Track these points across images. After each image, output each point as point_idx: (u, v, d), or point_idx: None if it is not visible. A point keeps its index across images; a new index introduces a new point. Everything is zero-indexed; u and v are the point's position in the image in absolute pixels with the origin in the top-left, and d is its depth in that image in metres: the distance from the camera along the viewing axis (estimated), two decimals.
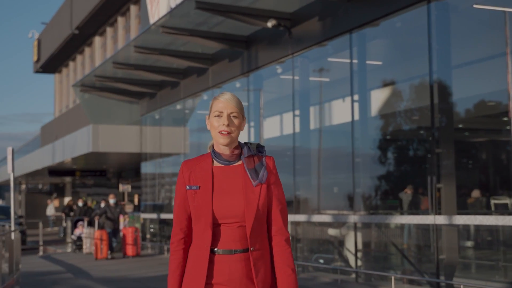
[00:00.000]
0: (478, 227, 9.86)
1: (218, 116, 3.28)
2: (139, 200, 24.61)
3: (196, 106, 18.61)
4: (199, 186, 3.29)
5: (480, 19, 9.85)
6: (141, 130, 21.58)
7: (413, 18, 10.25)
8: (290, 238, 3.40)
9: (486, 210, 10.55)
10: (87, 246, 19.80)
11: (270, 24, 12.47)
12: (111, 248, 18.09)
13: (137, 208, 26.91)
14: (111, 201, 18.61)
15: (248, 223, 3.23)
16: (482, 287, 9.22)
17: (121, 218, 19.03)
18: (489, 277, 10.15)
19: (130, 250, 18.14)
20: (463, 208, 10.40)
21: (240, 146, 3.38)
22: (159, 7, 18.86)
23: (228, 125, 3.26)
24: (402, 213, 11.02)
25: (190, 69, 17.38)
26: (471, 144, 11.62)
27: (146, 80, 19.24)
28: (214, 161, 3.36)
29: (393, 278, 9.77)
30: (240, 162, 3.35)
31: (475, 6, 9.77)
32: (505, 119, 9.61)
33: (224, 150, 3.32)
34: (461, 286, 8.76)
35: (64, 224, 33.82)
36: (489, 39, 9.79)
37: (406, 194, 11.19)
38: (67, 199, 41.71)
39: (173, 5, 17.38)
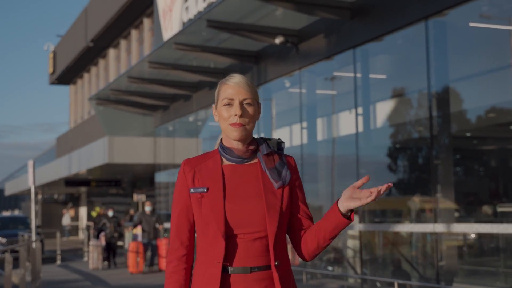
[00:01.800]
0: (481, 234, 10.28)
1: (228, 104, 2.72)
2: (154, 209, 25.13)
3: (208, 117, 19.15)
4: (208, 189, 2.70)
5: (476, 36, 10.34)
6: (155, 142, 22.16)
7: (413, 35, 10.75)
8: None
9: (493, 217, 10.95)
10: (93, 261, 17.99)
11: (278, 40, 13.00)
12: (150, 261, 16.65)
13: None
14: (147, 208, 16.98)
15: (270, 233, 2.65)
16: None
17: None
18: (491, 283, 10.58)
19: (164, 264, 16.22)
20: (468, 215, 10.84)
21: (256, 141, 2.82)
22: (172, 21, 19.47)
23: (241, 116, 2.70)
24: (411, 221, 11.48)
25: (202, 83, 17.93)
26: (478, 152, 12.04)
27: (159, 93, 19.83)
28: (223, 159, 2.79)
29: (396, 283, 10.24)
30: (255, 160, 2.78)
31: (471, 24, 10.27)
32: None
33: (237, 145, 2.75)
34: None
35: (81, 236, 34.38)
36: (485, 54, 10.27)
37: (414, 203, 11.64)
38: (82, 209, 42.35)
39: (185, 19, 17.99)
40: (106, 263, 18.43)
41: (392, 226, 11.35)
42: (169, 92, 19.48)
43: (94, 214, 36.85)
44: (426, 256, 11.05)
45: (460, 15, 9.98)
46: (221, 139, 2.83)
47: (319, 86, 14.08)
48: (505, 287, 10.11)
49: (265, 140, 2.83)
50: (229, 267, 2.64)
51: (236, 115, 2.70)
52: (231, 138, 2.74)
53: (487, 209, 10.89)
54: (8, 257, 8.46)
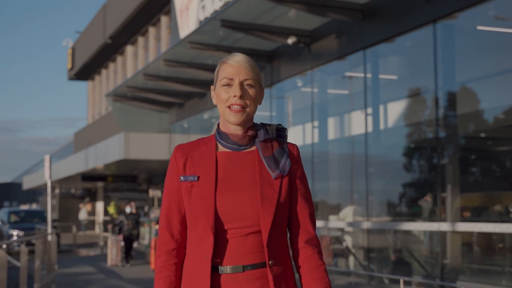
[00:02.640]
0: (488, 234, 10.43)
1: (227, 85, 2.46)
2: None
3: None
4: (198, 177, 2.44)
5: (483, 39, 10.51)
6: (170, 138, 22.47)
7: (421, 37, 10.94)
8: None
9: (506, 217, 11.08)
10: (112, 257, 17.44)
11: (290, 40, 13.23)
12: None
13: None
14: None
15: (264, 227, 2.38)
16: None
17: None
18: (496, 282, 10.75)
19: None
20: (478, 215, 10.99)
21: (255, 127, 2.54)
22: (189, 20, 19.75)
23: (241, 97, 2.44)
24: (424, 220, 11.65)
25: None
26: (487, 153, 12.18)
27: (175, 91, 20.12)
28: (219, 146, 2.52)
29: (401, 280, 10.45)
30: (253, 148, 2.51)
31: (478, 27, 10.44)
32: None
33: (235, 130, 2.49)
34: None
35: (98, 230, 34.63)
36: (492, 57, 10.44)
37: (426, 202, 11.80)
38: (99, 204, 42.83)
39: (201, 18, 18.26)
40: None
41: (398, 224, 11.55)
42: (184, 90, 19.76)
43: (110, 209, 37.29)
44: (432, 254, 11.24)
45: (467, 19, 10.15)
46: (218, 124, 2.57)
47: (331, 86, 14.30)
48: (510, 286, 10.27)
49: (264, 125, 2.56)
50: (220, 266, 2.39)
51: (235, 96, 2.44)
52: (229, 123, 2.48)
53: (498, 208, 11.03)
54: (23, 248, 8.76)
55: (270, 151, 2.49)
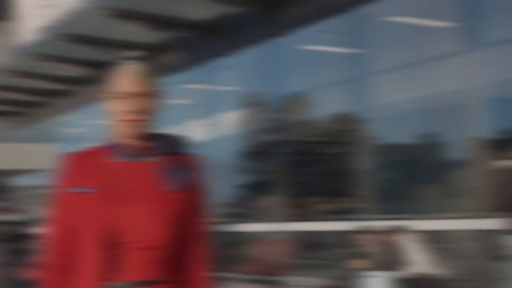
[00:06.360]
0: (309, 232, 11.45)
1: (122, 98, 2.31)
2: None
3: (65, 123, 19.39)
4: (90, 188, 2.29)
5: (306, 57, 11.78)
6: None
7: (255, 53, 11.95)
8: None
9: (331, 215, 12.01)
10: None
11: (134, 53, 13.60)
12: None
13: None
14: None
15: (162, 243, 2.29)
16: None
17: None
18: (317, 274, 11.75)
19: None
20: (304, 214, 11.94)
21: (153, 136, 2.40)
22: (27, 27, 19.50)
23: (137, 111, 2.31)
24: (262, 220, 12.38)
25: (57, 91, 18.13)
26: (317, 155, 13.28)
27: (12, 100, 19.77)
28: (113, 155, 2.37)
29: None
30: (151, 159, 2.37)
31: (302, 47, 11.65)
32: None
33: (131, 141, 2.35)
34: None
35: None
36: (314, 72, 11.71)
37: (265, 203, 12.39)
38: None
39: (40, 26, 18.09)
40: None
41: (234, 226, 12.31)
42: (22, 99, 19.51)
43: None
44: (263, 251, 12.14)
45: (296, 39, 11.30)
46: (111, 133, 2.42)
47: (173, 96, 14.97)
48: (327, 276, 11.24)
49: (164, 136, 2.43)
50: (111, 283, 2.26)
51: (131, 110, 2.31)
52: (124, 136, 2.35)
53: (327, 208, 11.96)
54: None
55: (170, 163, 2.37)
